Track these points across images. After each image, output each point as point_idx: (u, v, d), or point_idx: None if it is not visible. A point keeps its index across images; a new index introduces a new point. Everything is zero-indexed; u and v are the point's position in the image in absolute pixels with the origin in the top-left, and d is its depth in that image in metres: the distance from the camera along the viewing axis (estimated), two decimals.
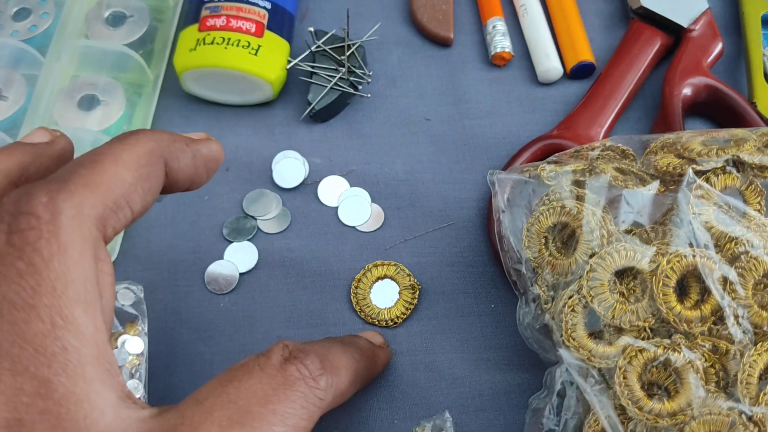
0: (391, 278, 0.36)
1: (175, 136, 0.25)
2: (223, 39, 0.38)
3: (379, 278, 0.36)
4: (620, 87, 0.39)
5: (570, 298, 0.29)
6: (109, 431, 0.20)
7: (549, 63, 0.40)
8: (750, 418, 0.27)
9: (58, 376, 0.20)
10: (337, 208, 0.37)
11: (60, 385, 0.20)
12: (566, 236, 0.30)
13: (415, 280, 0.35)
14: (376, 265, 0.36)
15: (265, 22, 0.39)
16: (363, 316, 0.35)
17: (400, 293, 0.35)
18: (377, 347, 0.32)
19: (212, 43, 0.38)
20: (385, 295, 0.35)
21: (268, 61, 0.38)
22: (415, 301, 0.35)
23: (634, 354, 0.28)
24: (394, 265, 0.36)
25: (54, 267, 0.20)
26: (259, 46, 0.38)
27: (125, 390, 0.21)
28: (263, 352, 0.24)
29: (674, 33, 0.40)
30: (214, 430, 0.21)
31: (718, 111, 0.39)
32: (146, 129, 0.25)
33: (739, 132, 0.31)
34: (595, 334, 0.29)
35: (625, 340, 0.28)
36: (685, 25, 0.40)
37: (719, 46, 0.40)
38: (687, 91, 0.38)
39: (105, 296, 0.22)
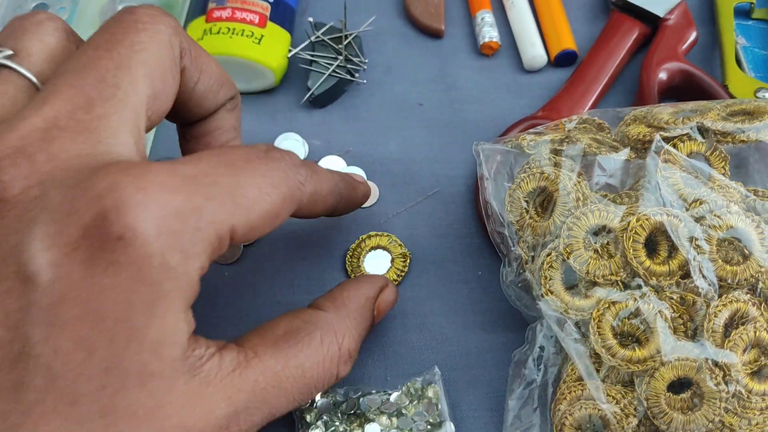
0: (384, 248, 0.38)
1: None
2: (229, 29, 0.41)
3: (372, 248, 0.38)
4: (601, 73, 0.42)
5: (548, 255, 0.31)
6: (121, 150, 0.24)
7: (534, 51, 0.43)
8: (716, 363, 0.29)
9: (101, 101, 0.24)
10: None
11: (99, 107, 0.24)
12: (545, 200, 0.33)
13: (407, 249, 0.38)
14: (369, 236, 0.38)
15: (268, 14, 0.42)
16: None
17: (392, 261, 0.38)
18: (357, 180, 0.35)
19: (218, 33, 0.41)
20: (378, 264, 0.37)
21: (271, 49, 0.41)
22: (407, 268, 0.37)
23: (607, 306, 0.30)
24: (387, 236, 0.38)
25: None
26: (262, 35, 0.41)
27: (142, 149, 0.25)
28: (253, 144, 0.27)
29: (651, 23, 0.43)
30: (202, 164, 0.24)
31: (691, 94, 0.41)
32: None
33: (705, 103, 0.33)
34: (572, 288, 0.31)
35: (599, 292, 0.30)
36: (661, 15, 0.43)
37: (693, 35, 0.42)
38: (662, 75, 0.41)
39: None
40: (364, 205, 0.39)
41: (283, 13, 0.43)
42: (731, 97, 0.40)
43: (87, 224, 0.21)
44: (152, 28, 0.26)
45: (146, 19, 0.26)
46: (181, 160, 0.24)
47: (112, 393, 0.21)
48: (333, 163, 0.41)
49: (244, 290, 0.37)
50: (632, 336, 0.30)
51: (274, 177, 0.26)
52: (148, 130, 0.26)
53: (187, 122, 0.31)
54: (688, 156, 0.32)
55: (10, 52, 0.26)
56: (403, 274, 0.37)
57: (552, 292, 0.31)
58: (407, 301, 0.37)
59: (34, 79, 0.26)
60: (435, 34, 0.45)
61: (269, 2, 0.42)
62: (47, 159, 0.23)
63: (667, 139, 0.32)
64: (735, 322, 0.30)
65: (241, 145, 0.27)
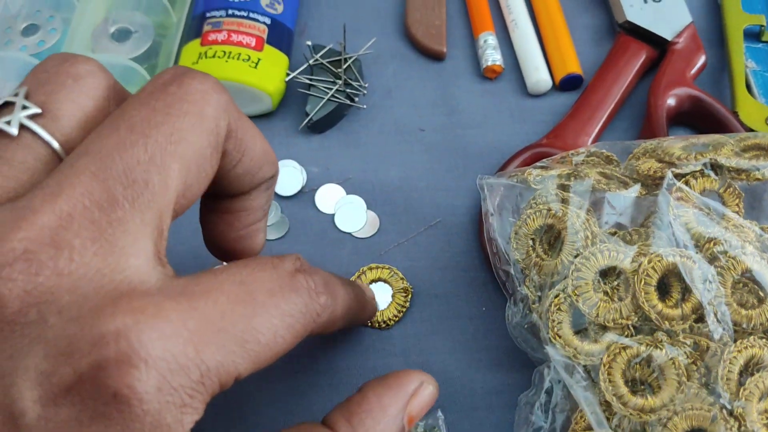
0: (385, 281, 0.37)
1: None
2: (225, 53, 0.39)
3: (373, 281, 0.37)
4: (607, 98, 0.41)
5: (556, 297, 0.30)
6: (136, 269, 0.21)
7: (538, 75, 0.42)
8: (731, 413, 0.28)
9: (125, 200, 0.20)
10: (333, 215, 0.39)
11: (120, 208, 0.20)
12: (552, 238, 0.32)
13: (408, 284, 0.37)
14: (370, 268, 0.37)
15: (265, 36, 0.41)
16: None
17: (393, 296, 0.36)
18: (368, 296, 0.33)
19: (214, 56, 0.39)
20: (378, 297, 0.36)
21: (268, 73, 0.40)
22: (408, 303, 0.36)
23: (617, 351, 0.29)
24: (388, 268, 0.37)
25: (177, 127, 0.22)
26: (259, 59, 0.40)
27: (162, 251, 0.22)
28: (278, 256, 0.25)
29: (659, 46, 0.42)
30: (222, 299, 0.21)
31: (701, 120, 0.40)
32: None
33: (717, 137, 0.32)
34: (581, 332, 0.30)
35: (609, 337, 0.29)
36: (669, 38, 0.41)
37: (702, 59, 0.41)
38: (671, 101, 0.40)
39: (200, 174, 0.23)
40: (363, 235, 0.38)
41: (280, 35, 0.41)
42: (741, 124, 0.39)
43: (83, 371, 0.19)
44: (198, 111, 0.22)
45: (195, 97, 0.22)
46: (201, 287, 0.21)
47: None
48: (331, 191, 0.39)
49: None
50: (644, 383, 0.29)
51: (293, 314, 0.23)
52: (173, 219, 0.23)
53: (214, 197, 0.28)
54: (700, 193, 0.30)
55: (38, 111, 0.22)
56: (404, 309, 0.36)
57: (560, 337, 0.30)
58: (409, 338, 0.35)
59: (58, 149, 0.22)
60: (436, 57, 0.43)
61: (266, 24, 0.41)
62: (53, 273, 0.19)
63: (679, 176, 0.31)
64: (750, 368, 0.28)
65: (266, 261, 0.24)
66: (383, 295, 0.36)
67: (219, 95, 0.23)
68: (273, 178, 0.28)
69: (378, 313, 0.36)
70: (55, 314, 0.19)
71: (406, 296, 0.36)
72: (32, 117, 0.22)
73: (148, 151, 0.21)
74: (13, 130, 0.21)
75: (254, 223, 0.28)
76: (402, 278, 0.37)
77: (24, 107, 0.22)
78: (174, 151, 0.21)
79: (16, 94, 0.22)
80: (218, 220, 0.28)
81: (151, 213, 0.21)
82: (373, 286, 0.37)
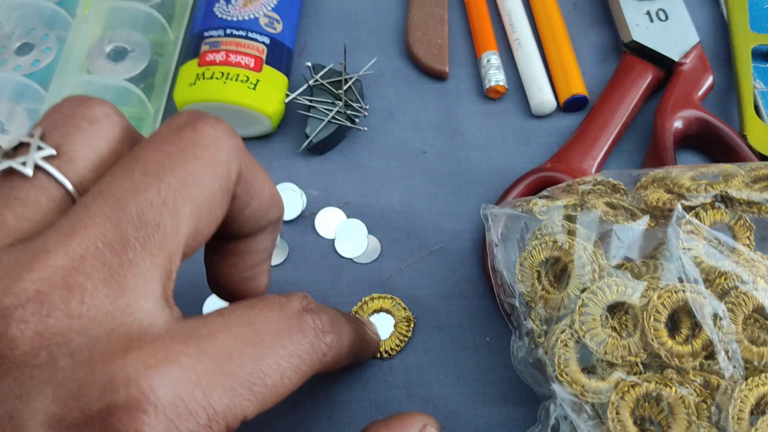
0: (387, 311, 0.36)
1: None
2: (223, 74, 0.39)
3: (375, 311, 0.36)
4: (612, 120, 0.40)
5: (562, 332, 0.29)
6: (145, 312, 0.21)
7: (542, 96, 0.41)
8: None
9: (137, 242, 0.20)
10: (334, 240, 0.38)
11: (132, 250, 0.20)
12: (558, 270, 0.31)
13: (411, 313, 0.36)
14: (373, 298, 0.36)
15: (264, 56, 0.40)
16: None
17: (395, 325, 0.36)
18: (373, 333, 0.33)
19: (212, 77, 0.39)
20: (380, 327, 0.35)
21: (267, 95, 0.39)
22: (410, 333, 0.35)
23: (626, 389, 0.28)
24: (390, 298, 0.36)
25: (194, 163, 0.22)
26: (258, 80, 0.39)
27: (170, 293, 0.22)
28: (285, 295, 0.25)
29: (665, 66, 0.41)
30: (229, 342, 0.21)
31: (709, 144, 0.39)
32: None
33: (728, 167, 0.31)
34: (588, 369, 0.29)
35: (618, 375, 0.29)
36: (676, 58, 0.41)
37: (710, 80, 0.40)
38: (678, 124, 0.39)
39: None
40: (364, 261, 0.38)
41: (279, 55, 0.41)
42: (750, 147, 0.38)
43: (92, 414, 0.19)
44: (211, 155, 0.22)
45: (208, 141, 0.22)
46: (208, 329, 0.21)
47: None
48: (332, 215, 0.39)
49: None
50: (653, 421, 0.28)
51: (300, 354, 0.23)
52: (182, 261, 0.23)
53: (220, 238, 0.27)
54: (710, 226, 0.30)
55: (53, 152, 0.22)
56: (406, 338, 0.35)
57: (567, 374, 0.29)
58: (411, 369, 0.35)
59: (72, 191, 0.22)
60: (439, 76, 0.43)
61: (265, 44, 0.40)
62: (64, 315, 0.20)
63: (688, 208, 0.30)
64: (761, 407, 0.28)
65: (273, 301, 0.24)
66: (385, 325, 0.36)
67: (231, 140, 0.23)
68: (279, 221, 0.28)
69: (381, 343, 0.35)
70: (65, 357, 0.19)
71: (408, 326, 0.36)
72: (47, 158, 0.22)
73: (161, 194, 0.21)
74: (29, 171, 0.21)
75: (259, 265, 0.28)
76: (404, 308, 0.36)
77: (39, 148, 0.22)
78: (186, 195, 0.22)
79: (31, 135, 0.22)
80: (223, 261, 0.28)
81: (161, 255, 0.21)
82: (376, 317, 0.36)
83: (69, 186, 0.22)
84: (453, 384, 0.34)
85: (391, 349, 0.35)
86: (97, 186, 0.21)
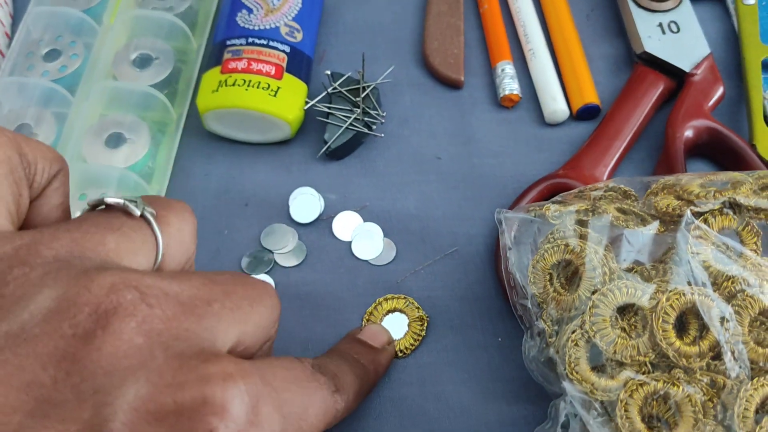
0: (401, 311, 0.37)
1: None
2: (244, 81, 0.40)
3: (389, 311, 0.37)
4: (624, 128, 0.41)
5: (573, 332, 0.30)
6: (217, 345, 0.23)
7: (556, 105, 0.42)
8: None
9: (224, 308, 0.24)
10: (350, 242, 0.39)
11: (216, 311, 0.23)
12: (570, 273, 0.32)
13: (424, 313, 0.37)
14: (386, 299, 0.37)
15: (284, 65, 0.41)
16: None
17: (409, 325, 0.37)
18: (378, 352, 0.34)
19: (234, 84, 0.40)
20: (394, 327, 0.36)
21: (287, 102, 0.40)
22: (424, 332, 0.36)
23: (635, 388, 0.29)
24: (404, 298, 0.37)
25: None
26: (279, 87, 0.40)
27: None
28: (298, 357, 0.28)
29: (677, 77, 0.42)
30: (279, 376, 0.25)
31: (719, 153, 0.40)
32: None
33: (736, 175, 0.32)
34: (598, 368, 0.30)
35: (627, 374, 0.29)
36: (687, 69, 0.42)
37: (720, 90, 0.41)
38: (689, 133, 0.40)
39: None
40: (379, 263, 0.39)
41: (299, 64, 0.42)
42: (759, 156, 0.39)
43: (184, 403, 0.20)
44: (277, 301, 0.27)
45: (273, 294, 0.27)
46: (261, 365, 0.24)
47: None
48: (349, 219, 0.40)
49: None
50: (661, 419, 0.29)
51: (326, 404, 0.27)
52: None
53: None
54: (719, 232, 0.30)
55: (154, 211, 0.25)
56: (420, 338, 0.36)
57: (577, 372, 0.30)
58: (425, 367, 0.36)
59: (161, 249, 0.25)
60: (454, 85, 0.44)
61: (286, 53, 0.41)
62: (161, 317, 0.22)
63: (697, 214, 0.31)
64: (766, 406, 0.28)
65: (292, 358, 0.27)
66: (399, 325, 0.37)
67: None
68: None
69: (394, 342, 0.36)
70: (159, 350, 0.21)
71: (422, 325, 0.37)
72: (153, 216, 0.25)
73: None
74: (137, 212, 0.24)
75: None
76: (418, 307, 0.37)
77: (145, 207, 0.25)
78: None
79: (134, 200, 0.25)
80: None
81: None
82: (390, 317, 0.37)
83: (159, 239, 0.25)
84: (465, 382, 0.35)
85: (405, 348, 0.36)
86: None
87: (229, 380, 0.21)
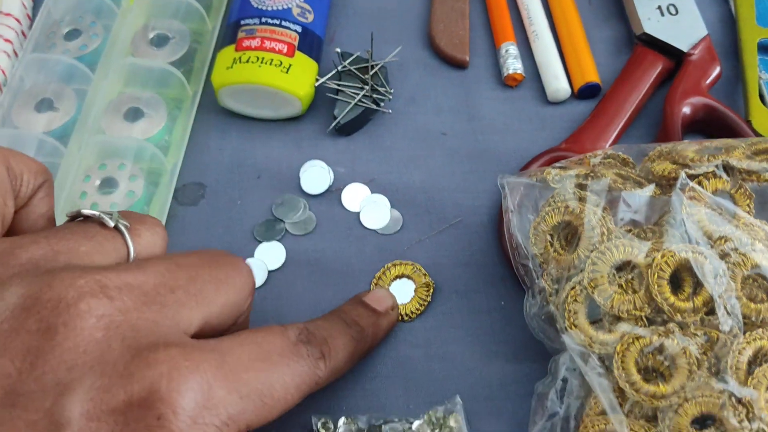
0: (408, 277, 0.38)
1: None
2: (258, 58, 0.42)
3: (397, 276, 0.38)
4: (624, 106, 0.42)
5: (572, 289, 0.32)
6: (180, 332, 0.25)
7: (558, 83, 0.43)
8: (739, 401, 0.29)
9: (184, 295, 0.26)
10: (359, 212, 0.41)
11: (173, 301, 0.25)
12: (569, 234, 0.33)
13: (430, 279, 0.38)
14: (395, 264, 0.38)
15: (296, 43, 0.43)
16: None
17: (415, 290, 0.38)
18: (380, 316, 0.35)
19: (247, 61, 0.42)
20: (401, 292, 0.38)
21: (298, 78, 0.42)
22: (429, 298, 0.38)
23: (631, 340, 0.30)
24: (411, 264, 0.39)
25: None
26: (290, 65, 0.42)
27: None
28: (285, 326, 0.29)
29: (675, 57, 0.44)
30: (244, 356, 0.25)
31: (715, 129, 0.41)
32: None
33: (730, 141, 0.34)
34: (596, 323, 0.31)
35: (623, 327, 0.31)
36: (685, 49, 0.43)
37: (717, 69, 0.42)
38: (686, 109, 0.41)
39: None
40: (386, 232, 0.40)
41: (310, 43, 0.43)
42: (754, 132, 0.40)
43: (135, 393, 0.22)
44: (245, 279, 0.28)
45: (245, 272, 0.29)
46: (225, 345, 0.25)
47: None
48: (357, 190, 0.41)
49: (268, 315, 0.37)
50: (656, 371, 0.30)
51: (301, 376, 0.28)
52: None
53: None
54: (713, 193, 0.32)
55: (127, 224, 0.27)
56: (425, 303, 0.37)
57: (576, 326, 0.31)
58: (430, 330, 0.37)
59: (132, 253, 0.27)
60: (459, 65, 0.45)
61: (297, 32, 0.43)
62: (121, 309, 0.23)
63: (692, 177, 0.32)
64: (759, 359, 0.30)
65: (275, 328, 0.28)
66: (406, 290, 0.38)
67: None
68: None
69: (401, 306, 0.37)
70: (117, 342, 0.23)
71: (428, 291, 0.38)
72: (126, 228, 0.27)
73: None
74: (111, 223, 0.27)
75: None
76: (425, 274, 0.38)
77: (118, 220, 0.27)
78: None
79: (110, 213, 0.27)
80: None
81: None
82: (397, 282, 0.38)
83: (131, 248, 0.27)
84: (469, 344, 0.36)
85: (411, 312, 0.37)
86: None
87: (175, 369, 0.22)
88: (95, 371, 0.22)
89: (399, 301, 0.38)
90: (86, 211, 0.27)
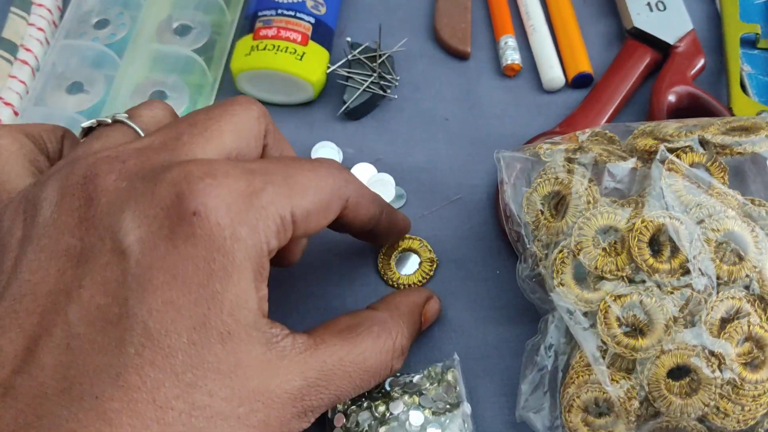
0: (415, 251, 0.41)
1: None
2: (274, 46, 0.45)
3: (404, 249, 0.41)
4: (614, 94, 0.45)
5: (560, 252, 0.34)
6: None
7: (553, 72, 0.46)
8: (712, 353, 0.31)
9: (189, 138, 0.29)
10: None
11: (180, 144, 0.28)
12: (558, 203, 0.36)
13: (435, 255, 0.41)
14: (403, 238, 0.41)
15: (310, 33, 0.46)
16: (385, 279, 0.40)
17: (420, 264, 0.41)
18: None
19: (264, 49, 0.45)
20: (407, 265, 0.41)
21: (311, 65, 0.45)
22: (432, 273, 0.40)
23: (613, 298, 0.33)
24: (419, 240, 0.41)
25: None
26: (304, 53, 0.45)
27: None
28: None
29: (662, 50, 0.47)
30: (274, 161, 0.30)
31: (698, 115, 0.44)
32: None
33: (706, 119, 0.37)
34: (581, 283, 0.34)
35: (606, 286, 0.33)
36: (672, 42, 0.46)
37: (702, 61, 0.45)
38: (672, 98, 0.44)
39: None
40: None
41: (323, 33, 0.47)
42: None
43: (167, 204, 0.25)
44: (246, 105, 0.31)
45: (242, 101, 0.31)
46: (241, 159, 0.29)
47: (200, 348, 0.25)
48: (364, 169, 0.44)
49: (280, 281, 0.40)
50: (635, 326, 0.33)
51: (321, 172, 0.30)
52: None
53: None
54: (690, 166, 0.35)
55: (125, 115, 0.31)
56: (428, 277, 0.40)
57: (563, 285, 0.34)
58: None
59: (138, 130, 0.31)
60: (461, 56, 0.48)
61: (311, 23, 0.46)
62: (136, 163, 0.27)
63: (671, 150, 0.35)
64: (731, 317, 0.32)
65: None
66: (412, 263, 0.41)
67: (259, 105, 0.32)
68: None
69: (405, 277, 0.40)
70: (139, 181, 0.27)
71: (431, 266, 0.41)
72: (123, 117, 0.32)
73: (208, 114, 0.30)
74: (109, 120, 0.31)
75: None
76: (430, 250, 0.41)
77: (115, 115, 0.32)
78: (228, 119, 0.30)
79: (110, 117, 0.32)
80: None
81: (209, 147, 0.29)
82: (404, 255, 0.41)
83: (135, 126, 0.31)
84: (467, 309, 0.39)
85: (413, 283, 0.40)
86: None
87: (189, 173, 0.26)
88: (132, 205, 0.26)
89: (403, 272, 0.41)
90: (85, 123, 0.31)
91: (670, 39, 0.46)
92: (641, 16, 0.47)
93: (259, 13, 0.46)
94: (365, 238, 0.38)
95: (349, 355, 0.30)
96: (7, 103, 0.44)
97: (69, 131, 0.33)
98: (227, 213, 0.25)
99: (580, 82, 0.47)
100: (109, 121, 0.31)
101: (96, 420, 0.23)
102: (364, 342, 0.31)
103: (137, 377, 0.24)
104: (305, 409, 0.28)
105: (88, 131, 0.32)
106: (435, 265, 0.41)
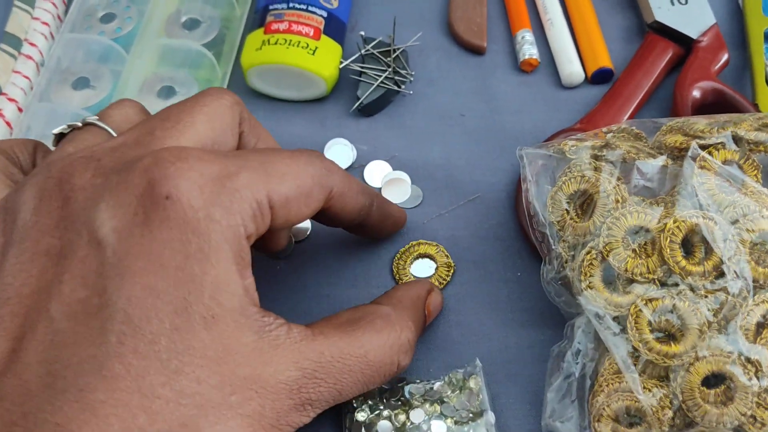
0: (431, 257, 0.40)
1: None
2: (285, 40, 0.43)
3: (420, 255, 0.40)
4: (636, 90, 0.44)
5: (588, 253, 0.33)
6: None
7: (572, 67, 0.45)
8: (749, 360, 0.30)
9: (162, 133, 0.29)
10: (380, 188, 0.42)
11: (154, 138, 0.29)
12: (585, 202, 0.35)
13: (452, 260, 0.40)
14: (420, 243, 0.40)
15: (322, 27, 0.44)
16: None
17: (436, 269, 0.39)
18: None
19: (276, 43, 0.43)
20: (423, 270, 0.39)
21: (324, 60, 0.44)
22: (449, 278, 0.39)
23: (644, 302, 0.32)
24: (435, 245, 0.40)
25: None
26: (316, 47, 0.44)
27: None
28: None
29: (685, 44, 0.45)
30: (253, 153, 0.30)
31: (723, 112, 0.43)
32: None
33: (738, 115, 0.35)
34: (611, 285, 0.33)
35: (637, 289, 0.32)
36: (694, 36, 0.45)
37: (725, 56, 0.44)
38: (696, 93, 0.43)
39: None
40: (408, 206, 0.42)
41: (335, 28, 0.45)
42: None
43: (140, 192, 0.25)
44: (217, 95, 0.31)
45: (213, 92, 0.31)
46: (217, 150, 0.29)
47: (184, 333, 0.24)
48: (379, 167, 0.43)
49: (293, 283, 0.39)
50: (668, 332, 0.32)
51: (300, 159, 0.30)
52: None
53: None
54: (722, 163, 0.33)
55: (96, 117, 0.32)
56: (445, 282, 0.39)
57: (592, 288, 0.33)
58: (450, 298, 0.38)
59: (110, 130, 0.31)
60: (477, 51, 0.47)
61: (323, 17, 0.45)
62: (111, 160, 0.28)
63: (702, 147, 0.33)
64: (767, 321, 0.31)
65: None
66: (428, 268, 0.39)
67: (231, 94, 0.32)
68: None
69: None
70: (113, 174, 0.27)
71: (448, 271, 0.39)
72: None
73: (180, 108, 0.30)
74: (79, 124, 0.31)
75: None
76: (447, 255, 0.40)
77: (86, 118, 0.32)
78: (200, 110, 0.30)
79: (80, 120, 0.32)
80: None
81: (183, 139, 0.29)
82: (420, 260, 0.40)
83: (107, 127, 0.31)
84: (486, 311, 0.38)
85: None
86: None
87: (160, 158, 0.26)
88: (107, 197, 0.26)
89: (419, 276, 0.39)
90: (56, 129, 0.32)
91: (692, 33, 0.45)
92: (662, 10, 0.46)
93: (270, 7, 0.45)
94: (359, 232, 0.38)
95: (349, 347, 0.29)
96: (11, 99, 0.42)
97: (41, 143, 0.33)
98: (200, 195, 0.25)
99: (599, 77, 0.45)
100: (80, 124, 0.31)
101: (81, 412, 0.23)
102: (365, 335, 0.30)
103: (120, 366, 0.24)
104: (303, 401, 0.27)
105: (60, 137, 0.32)
106: (452, 271, 0.39)
